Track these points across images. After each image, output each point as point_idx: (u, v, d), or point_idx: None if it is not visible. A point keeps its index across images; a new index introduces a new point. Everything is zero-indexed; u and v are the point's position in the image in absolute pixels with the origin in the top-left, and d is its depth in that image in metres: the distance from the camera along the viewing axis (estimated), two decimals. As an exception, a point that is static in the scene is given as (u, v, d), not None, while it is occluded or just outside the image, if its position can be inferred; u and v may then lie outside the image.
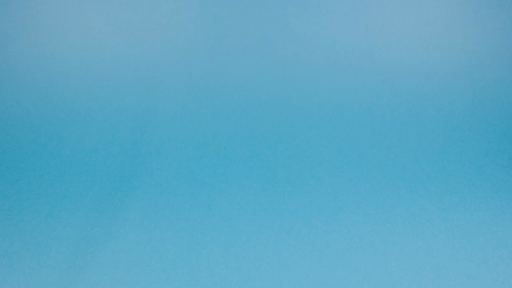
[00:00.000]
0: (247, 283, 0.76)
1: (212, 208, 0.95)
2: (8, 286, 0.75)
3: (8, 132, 1.18)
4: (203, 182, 1.04)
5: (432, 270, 0.79)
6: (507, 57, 1.34)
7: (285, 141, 1.19)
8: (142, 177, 1.05)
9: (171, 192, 1.00)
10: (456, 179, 1.05)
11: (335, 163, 1.11)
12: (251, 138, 1.20)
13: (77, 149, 1.15)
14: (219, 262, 0.80)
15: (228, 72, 1.35)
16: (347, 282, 0.76)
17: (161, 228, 0.89)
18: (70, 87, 1.29)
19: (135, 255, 0.82)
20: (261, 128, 1.24)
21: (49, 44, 1.32)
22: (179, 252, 0.83)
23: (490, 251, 0.83)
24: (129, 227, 0.89)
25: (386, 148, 1.16)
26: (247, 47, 1.36)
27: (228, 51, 1.36)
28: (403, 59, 1.36)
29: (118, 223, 0.90)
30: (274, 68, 1.35)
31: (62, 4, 1.31)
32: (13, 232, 0.87)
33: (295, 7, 1.36)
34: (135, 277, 0.77)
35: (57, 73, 1.30)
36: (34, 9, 1.30)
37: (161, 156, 1.13)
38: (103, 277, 0.77)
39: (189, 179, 1.05)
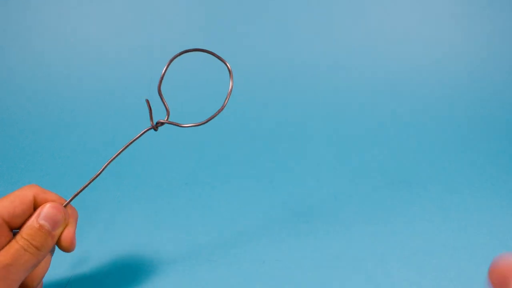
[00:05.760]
0: (247, 283, 0.76)
1: (212, 208, 0.95)
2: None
3: (8, 133, 1.19)
4: (203, 182, 1.04)
5: (432, 270, 0.79)
6: (507, 57, 1.34)
7: (285, 141, 1.19)
8: (142, 178, 1.05)
9: (171, 192, 1.01)
10: (456, 179, 1.05)
11: (336, 164, 1.11)
12: (251, 138, 1.20)
13: (78, 150, 1.15)
14: (220, 263, 0.81)
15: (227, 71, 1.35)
16: (347, 282, 0.76)
17: (161, 228, 0.89)
18: (70, 87, 1.29)
19: (135, 255, 0.82)
20: (261, 127, 1.24)
21: (49, 44, 1.32)
22: (179, 253, 0.83)
23: (490, 251, 0.83)
24: (130, 227, 0.89)
25: (387, 148, 1.16)
26: (246, 46, 1.36)
27: (227, 49, 1.36)
28: (404, 59, 1.36)
29: (118, 224, 0.90)
30: (273, 67, 1.35)
31: (62, 4, 1.31)
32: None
33: (295, 7, 1.36)
34: (135, 277, 0.77)
35: (57, 73, 1.31)
36: (34, 9, 1.31)
37: (161, 156, 1.13)
38: (104, 277, 0.77)
39: (189, 179, 1.05)
